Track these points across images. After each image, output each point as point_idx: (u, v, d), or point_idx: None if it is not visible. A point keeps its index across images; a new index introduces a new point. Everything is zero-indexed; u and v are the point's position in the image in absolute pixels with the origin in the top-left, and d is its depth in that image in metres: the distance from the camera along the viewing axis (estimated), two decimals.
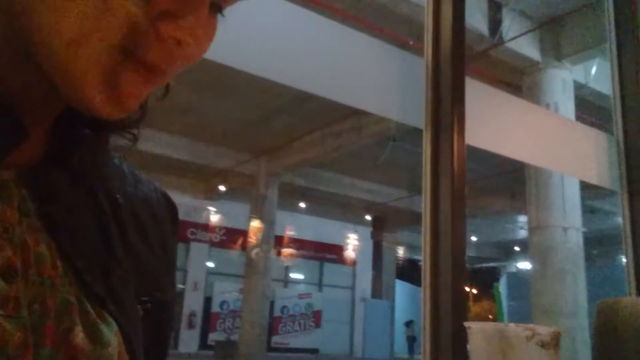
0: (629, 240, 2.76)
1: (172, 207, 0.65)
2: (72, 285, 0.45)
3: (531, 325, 0.73)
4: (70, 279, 0.45)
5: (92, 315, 0.45)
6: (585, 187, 7.29)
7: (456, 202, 2.01)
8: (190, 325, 16.78)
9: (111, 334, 0.46)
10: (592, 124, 3.78)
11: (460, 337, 1.85)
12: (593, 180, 2.79)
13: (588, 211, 12.21)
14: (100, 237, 0.50)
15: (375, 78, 2.18)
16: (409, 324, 19.87)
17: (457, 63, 2.08)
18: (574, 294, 6.84)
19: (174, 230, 0.64)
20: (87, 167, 0.51)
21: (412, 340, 19.62)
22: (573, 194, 7.12)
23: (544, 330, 0.72)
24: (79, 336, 0.43)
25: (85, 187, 0.51)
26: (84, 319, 0.44)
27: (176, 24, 0.40)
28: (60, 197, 0.47)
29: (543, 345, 0.71)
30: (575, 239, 7.09)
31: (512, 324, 0.74)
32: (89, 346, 0.43)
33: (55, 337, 0.41)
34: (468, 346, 0.78)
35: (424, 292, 2.08)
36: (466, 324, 0.78)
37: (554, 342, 0.72)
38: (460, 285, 2.04)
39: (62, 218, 0.46)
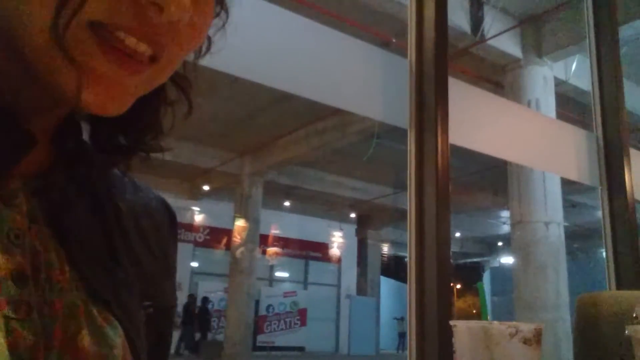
0: (609, 235, 2.82)
1: (170, 214, 0.66)
2: (79, 290, 0.46)
3: (514, 323, 0.75)
4: (77, 284, 0.46)
5: (97, 319, 0.46)
6: (566, 182, 7.40)
7: (441, 199, 2.04)
8: (175, 326, 16.68)
9: (116, 336, 0.47)
10: (573, 120, 3.83)
11: (446, 333, 1.88)
12: (573, 177, 2.84)
13: (569, 206, 12.39)
14: (105, 243, 0.52)
15: (359, 79, 2.20)
16: (400, 319, 19.97)
17: (440, 63, 2.10)
18: (555, 288, 6.94)
19: (173, 236, 0.66)
20: (91, 175, 0.52)
21: (402, 337, 19.72)
22: (554, 189, 7.21)
23: (526, 327, 0.74)
24: (85, 339, 0.44)
25: (90, 195, 0.52)
26: (90, 323, 0.46)
27: None
28: (67, 205, 0.49)
29: (526, 341, 0.74)
30: (557, 233, 7.18)
31: (495, 322, 0.76)
32: (95, 348, 0.45)
33: (62, 339, 0.43)
34: (454, 342, 0.80)
35: (410, 288, 2.10)
36: (452, 322, 0.81)
37: (536, 338, 0.75)
38: (446, 280, 2.07)
39: (70, 225, 0.48)
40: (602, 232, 2.87)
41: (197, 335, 16.11)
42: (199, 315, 16.34)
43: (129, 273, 0.53)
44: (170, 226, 0.65)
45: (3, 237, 0.42)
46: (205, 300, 16.83)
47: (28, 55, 0.40)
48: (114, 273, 0.51)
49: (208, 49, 0.52)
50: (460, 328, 0.78)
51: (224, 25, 0.53)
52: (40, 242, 0.45)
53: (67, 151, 0.50)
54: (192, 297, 16.30)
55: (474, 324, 0.77)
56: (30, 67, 0.41)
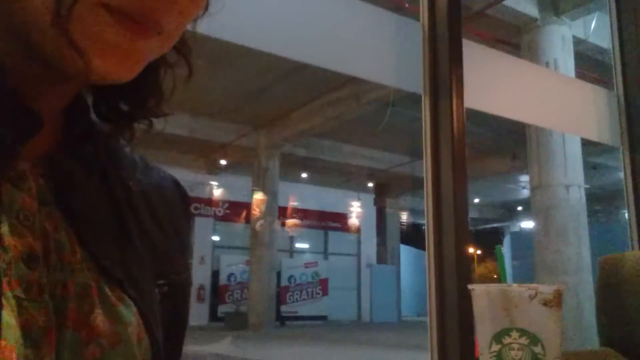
0: (631, 196, 2.77)
1: (181, 191, 0.66)
2: (91, 270, 0.46)
3: (534, 285, 0.74)
4: (88, 264, 0.46)
5: (111, 298, 0.46)
6: (586, 143, 7.28)
7: (457, 164, 2.01)
8: (200, 299, 17.00)
9: (130, 315, 0.47)
10: (593, 80, 3.75)
11: (465, 299, 1.88)
12: (593, 137, 2.79)
13: (590, 167, 12.22)
14: (115, 223, 0.51)
15: (372, 45, 2.16)
16: None
17: (454, 25, 2.05)
18: (577, 251, 6.89)
19: (185, 213, 0.65)
20: (100, 155, 0.52)
21: None
22: (574, 151, 7.10)
23: (546, 289, 0.73)
24: (99, 318, 0.44)
25: (99, 175, 0.52)
26: (103, 302, 0.46)
27: None
28: (76, 185, 0.48)
29: (546, 303, 0.72)
30: (577, 196, 7.10)
31: (514, 285, 0.75)
32: (109, 327, 0.45)
33: (76, 319, 0.43)
34: (473, 306, 0.79)
35: (428, 255, 2.10)
36: (470, 286, 0.80)
37: (556, 300, 0.73)
38: (464, 246, 2.06)
39: (80, 206, 0.48)
40: (624, 193, 2.82)
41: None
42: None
43: (140, 251, 0.53)
44: (182, 204, 0.65)
45: (13, 219, 0.42)
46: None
47: (33, 33, 0.39)
48: (126, 252, 0.51)
49: (204, 12, 0.51)
50: (479, 292, 0.77)
51: None
52: (50, 223, 0.45)
53: (75, 131, 0.50)
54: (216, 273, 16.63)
55: (492, 287, 0.76)
56: (35, 44, 0.40)
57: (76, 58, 0.39)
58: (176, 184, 0.66)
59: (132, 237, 0.52)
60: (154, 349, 0.50)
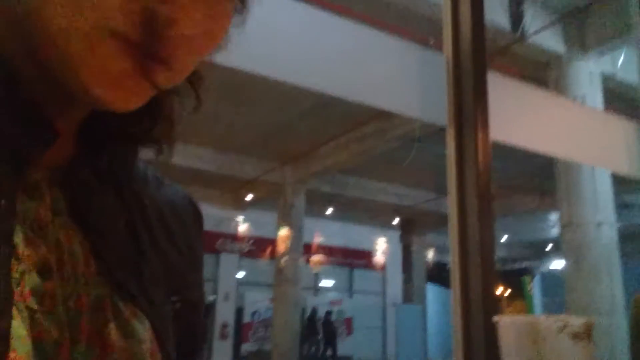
0: None
1: (195, 209, 0.66)
2: (105, 283, 0.46)
3: (562, 316, 0.70)
4: (102, 277, 0.46)
5: (124, 313, 0.46)
6: (617, 181, 7.12)
7: (482, 198, 1.98)
8: (223, 337, 16.87)
9: (144, 330, 0.46)
10: (621, 117, 3.68)
11: (492, 335, 1.81)
12: (624, 170, 2.72)
13: (622, 206, 11.94)
14: (129, 237, 0.51)
15: (396, 77, 2.17)
16: None
17: (477, 57, 2.04)
18: (610, 291, 6.67)
19: (198, 230, 0.65)
20: (114, 169, 0.52)
21: None
22: (605, 188, 6.95)
23: (575, 321, 0.69)
24: (113, 332, 0.44)
25: (113, 189, 0.52)
26: (117, 316, 0.45)
27: (166, 2, 0.39)
28: (91, 197, 0.48)
29: (575, 336, 0.68)
30: (609, 234, 6.92)
31: (542, 316, 0.71)
32: (123, 342, 0.44)
33: (89, 333, 0.42)
34: (499, 340, 0.75)
35: (454, 293, 2.05)
36: (495, 318, 0.76)
37: (586, 333, 0.69)
38: (491, 284, 2.00)
39: (94, 218, 0.47)
40: None
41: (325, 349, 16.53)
42: (324, 327, 16.89)
43: (154, 267, 0.52)
44: (195, 221, 0.65)
45: (27, 229, 0.41)
46: (329, 313, 17.35)
47: (44, 54, 0.40)
48: (140, 266, 0.50)
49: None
50: (505, 324, 0.74)
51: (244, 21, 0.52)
52: (64, 234, 0.44)
53: (91, 144, 0.50)
54: (314, 310, 16.98)
55: (519, 318, 0.72)
56: (47, 65, 0.40)
57: (78, 86, 0.39)
58: (190, 201, 0.66)
59: (145, 252, 0.52)
60: None
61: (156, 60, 0.40)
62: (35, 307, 0.39)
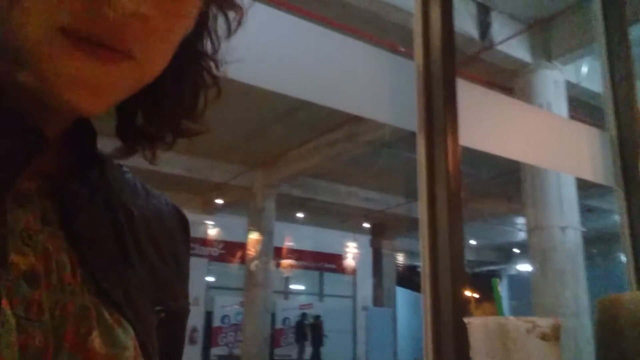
0: (627, 237, 2.75)
1: (183, 219, 0.67)
2: (91, 292, 0.46)
3: (531, 318, 0.72)
4: (88, 286, 0.46)
5: (109, 321, 0.46)
6: (582, 186, 7.29)
7: (452, 202, 2.01)
8: (192, 341, 16.68)
9: (128, 339, 0.47)
10: (585, 123, 3.79)
11: (461, 336, 1.84)
12: (588, 176, 2.80)
13: (586, 210, 12.22)
14: (116, 246, 0.52)
15: (367, 83, 2.19)
16: None
17: (447, 64, 2.08)
18: (575, 294, 6.82)
19: (185, 241, 0.66)
20: (104, 179, 0.53)
21: None
22: (570, 193, 7.12)
23: (543, 322, 0.72)
24: (96, 341, 0.44)
25: (102, 199, 0.52)
26: (101, 324, 0.45)
27: None
28: (80, 207, 0.49)
29: (543, 337, 0.71)
30: (574, 238, 7.08)
31: (512, 317, 0.74)
32: (106, 350, 0.44)
33: (73, 341, 0.42)
34: (469, 340, 0.77)
35: (425, 296, 2.07)
36: (466, 319, 0.78)
37: (554, 334, 0.72)
38: (460, 288, 2.03)
39: (82, 228, 0.48)
40: (620, 235, 2.81)
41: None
42: (312, 331, 17.28)
43: (140, 276, 0.53)
44: (182, 232, 0.65)
45: (16, 238, 0.42)
46: (317, 317, 17.66)
47: (16, 61, 0.40)
48: (126, 276, 0.51)
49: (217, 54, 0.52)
50: (475, 325, 0.76)
51: (239, 22, 0.53)
52: (52, 244, 0.45)
53: (80, 154, 0.51)
54: (304, 316, 17.35)
55: (489, 319, 0.74)
56: (20, 71, 0.40)
57: (46, 93, 0.39)
58: (177, 211, 0.66)
59: (132, 262, 0.52)
60: None
61: (112, 49, 0.39)
62: (23, 315, 0.39)
